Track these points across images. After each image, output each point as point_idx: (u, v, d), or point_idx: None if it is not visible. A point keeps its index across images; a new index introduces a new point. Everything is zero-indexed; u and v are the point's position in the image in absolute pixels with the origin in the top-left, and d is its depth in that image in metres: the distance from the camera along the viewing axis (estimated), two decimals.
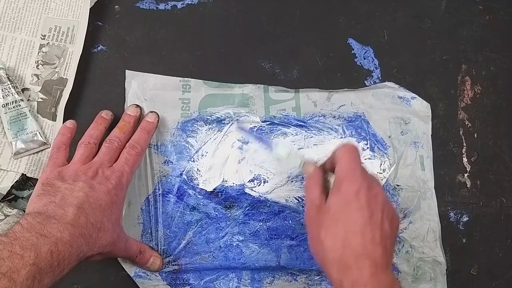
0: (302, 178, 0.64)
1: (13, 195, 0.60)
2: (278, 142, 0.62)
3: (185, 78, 0.65)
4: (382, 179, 0.65)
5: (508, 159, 0.70)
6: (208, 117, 0.64)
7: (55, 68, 0.63)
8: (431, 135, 0.68)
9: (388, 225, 0.49)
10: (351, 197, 0.48)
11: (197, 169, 0.63)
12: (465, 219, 0.68)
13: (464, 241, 0.67)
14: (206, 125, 0.64)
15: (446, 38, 0.72)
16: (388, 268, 0.48)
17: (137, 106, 0.62)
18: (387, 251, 0.48)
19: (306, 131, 0.65)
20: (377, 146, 0.66)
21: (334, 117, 0.66)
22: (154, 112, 0.62)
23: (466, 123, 0.70)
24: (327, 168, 0.54)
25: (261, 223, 0.63)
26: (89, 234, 0.50)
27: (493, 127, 0.70)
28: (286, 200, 0.63)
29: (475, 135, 0.70)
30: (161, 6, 0.68)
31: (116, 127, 0.60)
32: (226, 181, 0.63)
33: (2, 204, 0.59)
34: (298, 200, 0.63)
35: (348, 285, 0.46)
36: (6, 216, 0.58)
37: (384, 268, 0.47)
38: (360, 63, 0.70)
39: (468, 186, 0.69)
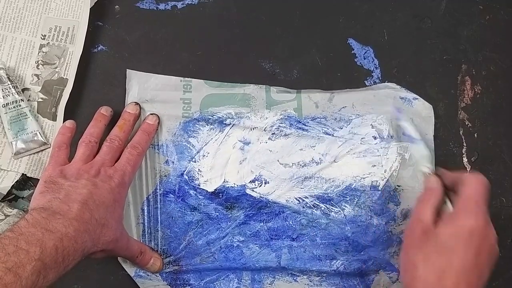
0: (304, 179, 0.64)
1: (13, 195, 0.60)
2: (418, 141, 0.61)
3: (186, 78, 0.65)
4: (383, 179, 0.65)
5: (508, 159, 0.70)
6: (210, 117, 0.64)
7: (55, 68, 0.63)
8: None
9: (488, 274, 0.48)
10: (465, 234, 0.47)
11: (198, 169, 0.63)
12: None
13: None
14: (207, 125, 0.64)
15: (446, 38, 0.72)
16: None
17: (136, 103, 0.62)
18: None
19: (307, 133, 0.65)
20: (379, 146, 0.66)
21: (335, 119, 0.66)
22: (154, 114, 0.62)
23: (466, 123, 0.70)
24: (447, 184, 0.53)
25: (262, 224, 0.63)
26: (94, 230, 0.50)
27: (493, 127, 0.70)
28: (286, 200, 0.63)
29: (475, 135, 0.70)
30: (161, 6, 0.68)
31: (116, 126, 0.60)
32: (227, 181, 0.63)
33: (2, 204, 0.59)
34: (298, 201, 0.63)
35: None
36: (6, 216, 0.58)
37: None
38: (360, 63, 0.70)
39: None
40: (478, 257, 0.47)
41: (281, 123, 0.65)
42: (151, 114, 0.62)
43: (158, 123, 0.62)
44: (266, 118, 0.65)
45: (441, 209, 0.51)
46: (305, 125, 0.66)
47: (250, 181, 0.63)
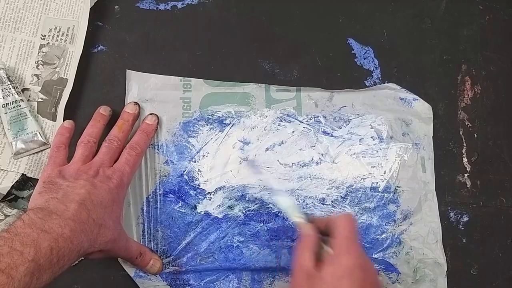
0: (304, 179, 0.64)
1: (13, 195, 0.60)
2: (282, 192, 0.62)
3: (186, 78, 0.65)
4: (383, 180, 0.65)
5: (508, 159, 0.70)
6: (210, 117, 0.64)
7: (55, 68, 0.63)
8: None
9: None
10: (347, 272, 0.48)
11: (198, 169, 0.63)
12: (465, 219, 0.68)
13: (464, 241, 0.67)
14: (207, 125, 0.64)
15: (446, 38, 0.72)
16: None
17: (136, 103, 0.62)
18: None
19: (307, 132, 0.65)
20: (378, 148, 0.66)
21: (335, 118, 0.66)
22: (153, 114, 0.62)
23: (466, 123, 0.70)
24: (321, 229, 0.53)
25: (262, 224, 0.63)
26: (91, 230, 0.50)
27: (493, 127, 0.70)
28: None
29: (475, 135, 0.70)
30: (161, 6, 0.68)
31: (115, 126, 0.60)
32: (227, 181, 0.63)
33: (2, 204, 0.59)
34: (298, 201, 0.63)
35: None
36: (6, 216, 0.58)
37: None
38: (360, 63, 0.70)
39: (468, 186, 0.69)
40: None
41: (281, 121, 0.65)
42: (150, 114, 0.62)
43: (158, 123, 0.62)
44: (266, 116, 0.65)
45: (322, 254, 0.51)
46: (304, 123, 0.66)
47: (250, 181, 0.63)
